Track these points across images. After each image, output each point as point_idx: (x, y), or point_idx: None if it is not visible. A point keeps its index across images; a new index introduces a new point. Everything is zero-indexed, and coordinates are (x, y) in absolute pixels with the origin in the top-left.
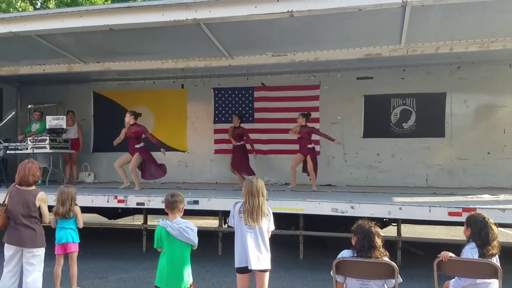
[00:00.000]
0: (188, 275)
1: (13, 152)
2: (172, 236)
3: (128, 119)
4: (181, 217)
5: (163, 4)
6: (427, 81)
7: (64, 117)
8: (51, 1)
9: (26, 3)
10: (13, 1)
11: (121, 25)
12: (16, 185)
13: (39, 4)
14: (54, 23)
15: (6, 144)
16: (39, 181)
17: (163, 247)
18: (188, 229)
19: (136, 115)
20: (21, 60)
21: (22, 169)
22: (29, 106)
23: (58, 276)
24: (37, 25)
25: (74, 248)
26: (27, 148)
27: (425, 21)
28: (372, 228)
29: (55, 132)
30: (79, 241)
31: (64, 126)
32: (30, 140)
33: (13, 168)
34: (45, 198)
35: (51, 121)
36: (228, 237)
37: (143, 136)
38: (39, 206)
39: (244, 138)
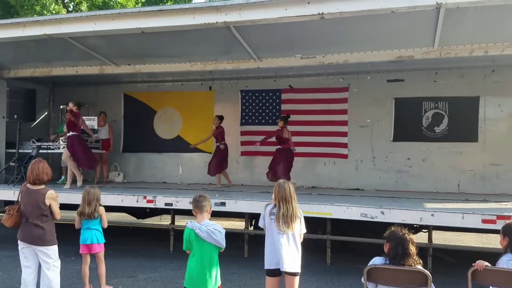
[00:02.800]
0: (216, 276)
1: (45, 151)
2: (201, 238)
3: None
4: (208, 219)
5: (194, 7)
6: (460, 84)
7: (96, 117)
8: (83, 4)
9: (60, 5)
10: (47, 4)
11: (153, 28)
12: (27, 185)
13: (71, 6)
14: (88, 26)
15: (38, 143)
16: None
17: (192, 249)
18: (216, 231)
19: None
20: (55, 62)
21: (35, 168)
22: (61, 107)
23: (86, 275)
24: (71, 28)
25: (100, 248)
26: (59, 148)
27: (459, 23)
28: (406, 235)
29: (87, 133)
30: (104, 241)
31: (96, 127)
32: (62, 140)
33: None
34: (54, 197)
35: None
36: (254, 239)
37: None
38: (49, 205)
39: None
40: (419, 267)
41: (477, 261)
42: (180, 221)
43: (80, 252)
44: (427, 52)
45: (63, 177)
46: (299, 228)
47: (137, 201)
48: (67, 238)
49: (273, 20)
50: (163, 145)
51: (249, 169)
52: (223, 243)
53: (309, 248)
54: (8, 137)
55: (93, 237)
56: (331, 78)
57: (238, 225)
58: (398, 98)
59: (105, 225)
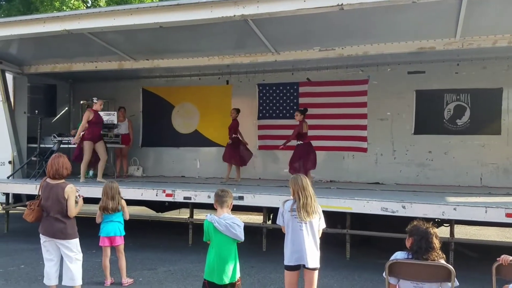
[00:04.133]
0: (235, 269)
1: (66, 146)
2: (219, 231)
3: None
4: (228, 213)
5: (212, 1)
6: (483, 76)
7: (115, 112)
8: None
9: (79, 1)
10: (66, 0)
11: (171, 22)
12: (47, 179)
13: (90, 1)
14: (106, 21)
15: (59, 138)
16: (91, 174)
17: (211, 241)
18: (235, 225)
19: None
20: (74, 58)
21: (55, 163)
22: (81, 102)
23: (106, 267)
24: (90, 23)
25: (121, 241)
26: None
27: (482, 13)
28: (430, 229)
29: (107, 127)
30: (124, 233)
31: (115, 122)
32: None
33: None
34: (73, 190)
35: (103, 117)
36: (272, 234)
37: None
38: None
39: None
40: (442, 261)
41: (502, 256)
42: (198, 215)
43: (101, 244)
44: (449, 43)
45: (91, 172)
46: (318, 224)
47: (156, 195)
48: (88, 231)
49: (291, 12)
50: (181, 140)
51: (267, 163)
52: (241, 236)
53: (329, 242)
54: (30, 132)
55: (116, 229)
56: (350, 70)
57: (256, 219)
58: (419, 90)
59: (127, 217)
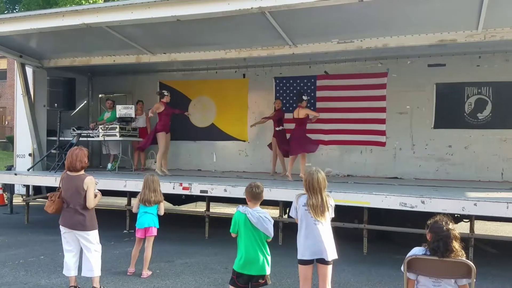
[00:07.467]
0: (267, 262)
1: (85, 139)
2: (251, 223)
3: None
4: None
5: None
6: (505, 69)
7: (133, 106)
8: None
9: None
10: None
11: (188, 15)
12: (67, 171)
13: None
14: (124, 15)
15: (78, 131)
16: (110, 167)
17: (240, 233)
18: (266, 219)
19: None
20: (93, 51)
21: (70, 155)
22: (99, 96)
23: (135, 257)
24: (108, 17)
25: (154, 232)
26: (98, 136)
27: (506, 4)
28: (451, 231)
29: (125, 121)
30: (158, 226)
31: (133, 115)
32: (101, 128)
33: None
34: (92, 182)
35: (121, 110)
36: (288, 227)
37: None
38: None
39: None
40: (462, 258)
41: None
42: (215, 208)
43: (137, 236)
44: (471, 35)
45: (110, 165)
46: (331, 216)
47: (173, 188)
48: (107, 223)
49: (310, 4)
50: (197, 133)
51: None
52: (271, 231)
53: (346, 237)
54: (49, 125)
55: (150, 220)
56: (369, 63)
57: (272, 213)
58: (439, 84)
59: (162, 212)
